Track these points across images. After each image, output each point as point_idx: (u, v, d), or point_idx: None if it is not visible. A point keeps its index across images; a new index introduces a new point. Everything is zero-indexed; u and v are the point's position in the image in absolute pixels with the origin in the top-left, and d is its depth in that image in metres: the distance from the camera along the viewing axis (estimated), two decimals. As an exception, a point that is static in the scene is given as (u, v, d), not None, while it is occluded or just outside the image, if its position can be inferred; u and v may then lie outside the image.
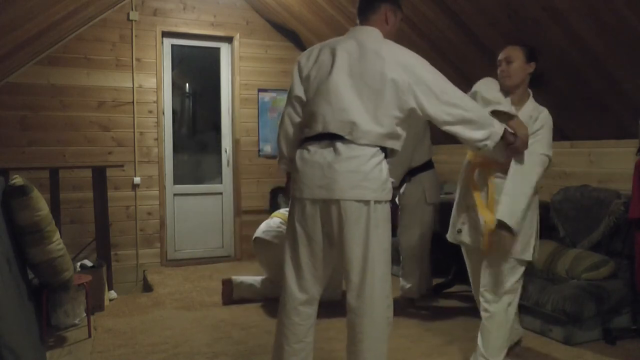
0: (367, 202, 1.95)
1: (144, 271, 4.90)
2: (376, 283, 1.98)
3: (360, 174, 1.94)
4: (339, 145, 1.95)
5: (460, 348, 2.88)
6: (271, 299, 3.75)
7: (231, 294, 3.77)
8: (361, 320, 2.00)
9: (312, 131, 2.03)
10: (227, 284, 3.78)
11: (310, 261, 2.07)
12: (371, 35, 2.07)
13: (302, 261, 2.07)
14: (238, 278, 3.83)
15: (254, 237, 3.85)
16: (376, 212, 1.96)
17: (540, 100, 2.41)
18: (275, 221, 3.80)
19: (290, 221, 2.11)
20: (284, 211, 3.79)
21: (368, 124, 1.94)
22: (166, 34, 5.12)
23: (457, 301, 3.80)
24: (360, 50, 2.01)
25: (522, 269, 2.37)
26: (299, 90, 2.12)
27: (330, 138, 1.98)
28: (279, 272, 3.67)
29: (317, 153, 1.99)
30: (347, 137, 1.95)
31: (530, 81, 2.40)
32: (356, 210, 1.94)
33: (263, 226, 3.82)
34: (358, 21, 2.17)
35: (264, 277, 3.85)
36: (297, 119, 2.14)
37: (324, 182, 1.96)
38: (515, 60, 2.33)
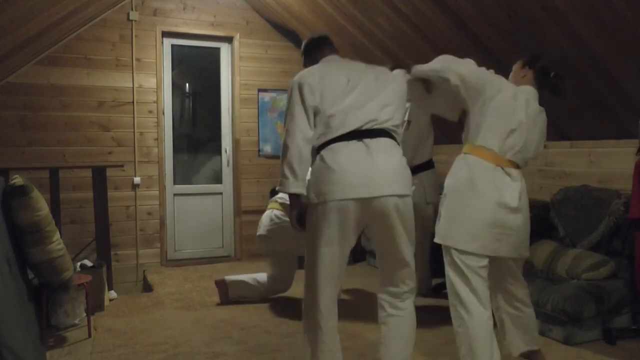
0: (401, 197, 2.07)
1: (144, 271, 4.90)
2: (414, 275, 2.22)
3: (394, 171, 2.08)
4: (368, 142, 2.06)
5: (460, 348, 2.88)
6: (270, 299, 3.77)
7: (227, 294, 3.77)
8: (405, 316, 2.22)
9: (334, 132, 2.06)
10: (221, 284, 3.77)
11: (341, 262, 2.12)
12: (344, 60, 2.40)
13: (336, 264, 2.11)
14: (231, 277, 3.81)
15: (257, 234, 3.82)
16: (408, 206, 2.12)
17: (541, 100, 2.41)
18: (275, 214, 3.69)
19: (320, 226, 2.06)
20: (279, 199, 3.69)
21: (389, 113, 2.15)
22: (166, 34, 5.12)
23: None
24: (353, 66, 2.30)
25: (446, 255, 2.30)
26: (312, 100, 2.09)
27: (357, 137, 2.06)
28: (280, 266, 3.65)
29: (348, 154, 2.04)
30: (375, 127, 2.08)
31: (549, 89, 2.43)
32: (396, 206, 2.05)
33: (264, 220, 3.74)
34: (314, 54, 2.39)
35: (260, 274, 3.81)
36: (310, 133, 2.09)
37: (362, 181, 2.01)
38: (513, 68, 2.50)
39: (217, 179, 5.47)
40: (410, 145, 3.35)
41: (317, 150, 2.11)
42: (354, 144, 2.05)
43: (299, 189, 2.08)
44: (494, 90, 2.28)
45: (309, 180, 2.11)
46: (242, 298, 3.79)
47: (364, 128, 2.07)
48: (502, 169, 2.26)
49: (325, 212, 2.04)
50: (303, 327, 2.21)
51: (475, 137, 2.30)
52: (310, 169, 2.13)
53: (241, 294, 3.78)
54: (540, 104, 2.39)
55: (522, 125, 2.28)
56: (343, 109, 2.08)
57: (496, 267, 2.34)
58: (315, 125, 2.10)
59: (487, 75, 2.34)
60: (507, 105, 2.28)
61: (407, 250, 2.15)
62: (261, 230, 3.72)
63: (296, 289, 3.94)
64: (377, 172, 2.04)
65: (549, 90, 2.44)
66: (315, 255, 2.10)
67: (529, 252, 2.40)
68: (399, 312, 2.22)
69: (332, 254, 2.08)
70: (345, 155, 2.03)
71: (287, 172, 2.07)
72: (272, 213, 3.67)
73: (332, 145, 2.06)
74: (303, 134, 2.08)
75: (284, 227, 3.54)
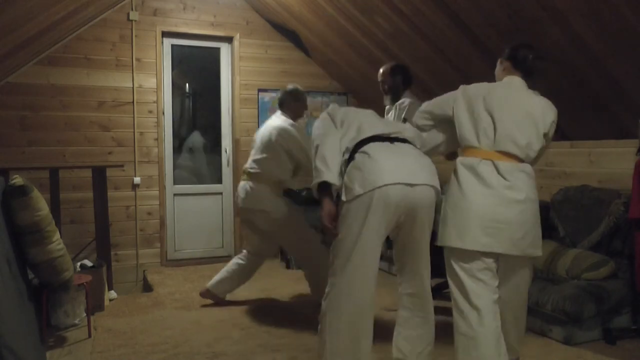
0: (435, 190, 2.23)
1: (144, 271, 4.90)
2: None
3: (428, 167, 2.25)
4: (398, 144, 2.26)
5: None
6: (271, 299, 3.76)
7: (218, 297, 3.75)
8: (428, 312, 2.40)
9: (367, 134, 2.26)
10: (206, 293, 3.75)
11: (378, 259, 2.23)
12: None
13: (377, 260, 2.21)
14: (211, 282, 3.77)
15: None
16: (434, 201, 2.25)
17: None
18: (250, 185, 3.61)
19: (365, 217, 2.11)
20: (250, 169, 3.63)
21: (411, 133, 2.45)
22: (166, 34, 5.12)
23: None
24: None
25: (446, 262, 2.34)
26: (339, 118, 2.35)
27: (387, 140, 2.25)
28: (258, 237, 3.67)
29: (385, 151, 2.19)
30: (401, 137, 2.31)
31: (536, 73, 2.42)
32: (431, 197, 2.21)
33: (240, 192, 3.67)
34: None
35: (229, 264, 3.76)
36: (339, 138, 2.28)
37: (405, 171, 2.14)
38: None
39: (217, 179, 5.47)
40: None
41: (352, 150, 2.23)
42: (387, 144, 2.24)
43: (332, 178, 2.16)
44: (455, 98, 2.39)
45: (349, 177, 2.17)
46: (233, 290, 3.77)
47: (392, 135, 2.29)
48: (492, 162, 2.23)
49: (371, 200, 2.10)
50: (324, 330, 2.22)
51: (460, 141, 2.36)
52: (346, 167, 2.26)
53: (228, 289, 3.76)
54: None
55: (497, 115, 2.26)
56: (369, 121, 2.34)
57: (500, 276, 2.31)
58: (345, 134, 2.29)
59: (443, 95, 2.48)
60: (473, 103, 2.32)
61: (428, 245, 2.34)
62: (239, 202, 3.67)
63: (295, 288, 3.95)
64: (414, 164, 2.20)
65: (536, 74, 2.42)
66: (356, 248, 2.12)
67: (539, 250, 2.27)
68: (428, 316, 2.39)
69: (376, 246, 2.16)
70: (383, 150, 2.19)
71: (320, 165, 2.19)
72: (246, 185, 3.60)
73: (369, 144, 2.21)
74: (334, 136, 2.26)
75: (243, 199, 3.54)
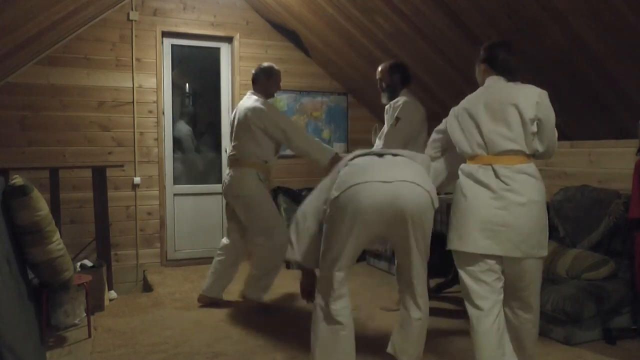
0: (427, 191, 2.18)
1: (144, 271, 4.90)
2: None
3: (418, 170, 2.27)
4: (388, 157, 2.31)
5: (460, 348, 2.88)
6: (272, 299, 3.76)
7: (214, 300, 3.74)
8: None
9: (354, 155, 2.37)
10: (203, 299, 3.74)
11: (357, 250, 2.29)
12: None
13: (352, 253, 2.25)
14: (204, 288, 3.76)
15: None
16: (425, 198, 2.18)
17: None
18: (230, 171, 3.63)
19: (338, 215, 2.17)
20: (231, 155, 3.62)
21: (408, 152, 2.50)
22: (166, 34, 5.12)
23: (456, 301, 3.80)
24: None
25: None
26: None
27: (377, 155, 2.34)
28: (234, 227, 3.69)
29: (369, 161, 2.28)
30: (393, 152, 2.37)
31: (504, 70, 2.41)
32: (422, 195, 2.17)
33: (226, 179, 3.66)
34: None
35: (211, 265, 3.76)
36: (312, 212, 2.38)
37: (383, 172, 2.19)
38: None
39: (217, 179, 5.47)
40: (397, 143, 3.34)
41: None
42: (374, 157, 2.32)
43: (294, 256, 2.35)
44: (448, 121, 2.50)
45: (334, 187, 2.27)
46: (227, 286, 3.77)
47: (383, 154, 2.35)
48: (491, 166, 2.25)
49: (344, 198, 2.14)
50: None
51: (461, 154, 2.42)
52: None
53: (222, 288, 3.76)
54: None
55: (479, 117, 2.30)
56: (362, 149, 2.46)
57: (505, 278, 2.32)
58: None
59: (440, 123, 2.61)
60: (460, 117, 2.41)
61: (422, 246, 2.30)
62: (223, 190, 3.67)
63: (295, 288, 3.94)
64: (397, 166, 2.23)
65: (513, 70, 2.41)
66: (332, 247, 2.21)
67: (543, 251, 2.25)
68: (423, 316, 2.42)
69: (352, 246, 2.20)
70: (367, 160, 2.29)
71: (288, 243, 2.40)
72: (230, 171, 3.59)
73: (356, 159, 2.31)
74: (304, 208, 2.38)
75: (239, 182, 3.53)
